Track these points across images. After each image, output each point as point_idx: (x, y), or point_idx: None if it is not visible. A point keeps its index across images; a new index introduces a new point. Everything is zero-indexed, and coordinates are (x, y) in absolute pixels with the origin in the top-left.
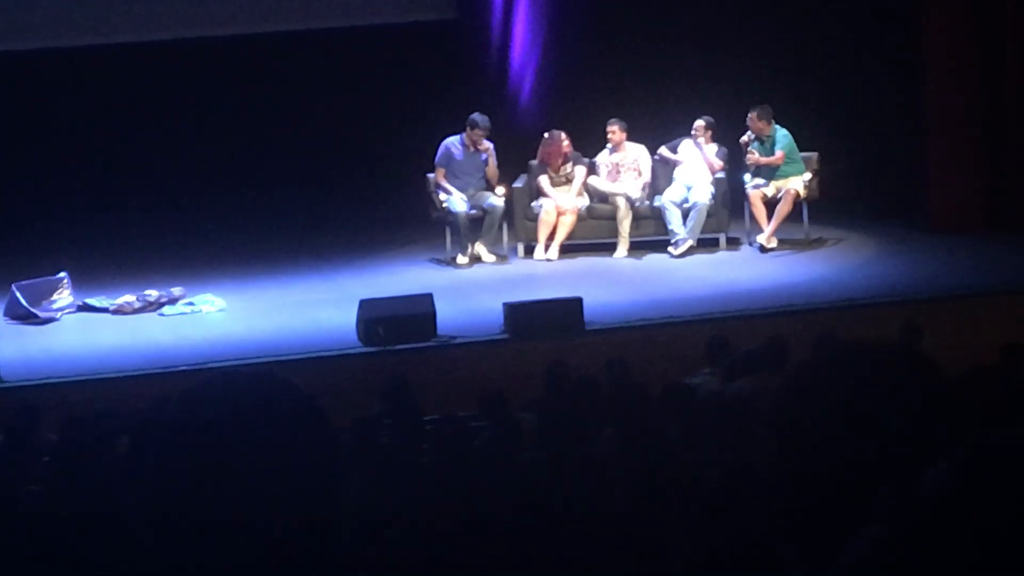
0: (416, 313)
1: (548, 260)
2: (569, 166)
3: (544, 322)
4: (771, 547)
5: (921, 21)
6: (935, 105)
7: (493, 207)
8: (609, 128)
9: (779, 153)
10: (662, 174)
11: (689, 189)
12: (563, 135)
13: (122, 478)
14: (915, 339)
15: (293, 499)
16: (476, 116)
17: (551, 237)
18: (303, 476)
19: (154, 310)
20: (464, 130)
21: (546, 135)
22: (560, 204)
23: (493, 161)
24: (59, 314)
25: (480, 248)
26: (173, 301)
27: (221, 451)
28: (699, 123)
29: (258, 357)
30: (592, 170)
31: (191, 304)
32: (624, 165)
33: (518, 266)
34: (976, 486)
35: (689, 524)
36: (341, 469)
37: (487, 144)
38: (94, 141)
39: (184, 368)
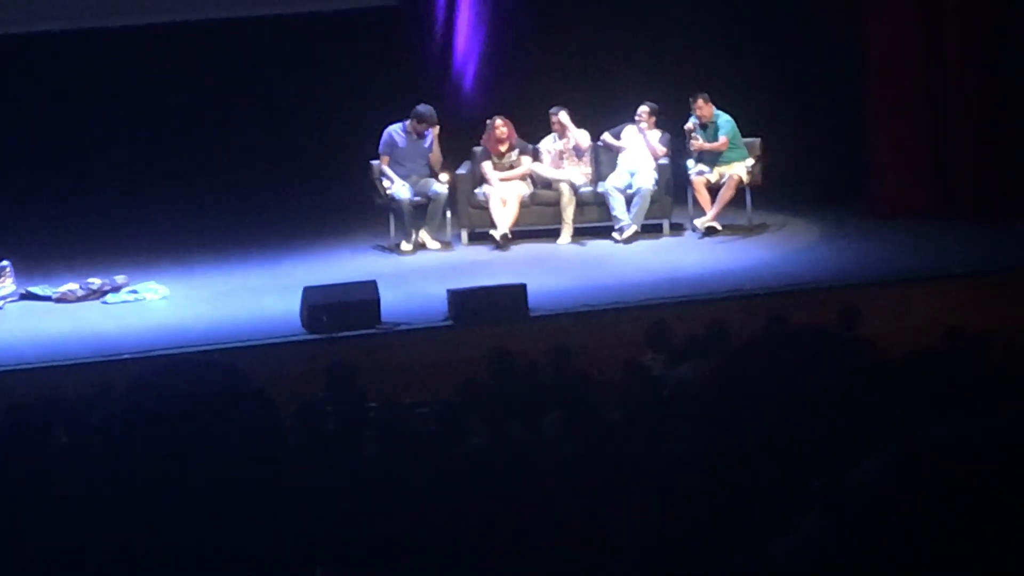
0: (360, 300)
1: (507, 237)
2: (513, 153)
3: (488, 308)
4: (708, 536)
5: (862, 6)
6: (876, 91)
7: (437, 194)
8: (552, 115)
9: (722, 139)
10: (606, 160)
11: (633, 175)
12: (505, 121)
13: (65, 466)
14: (853, 323)
15: (239, 485)
16: (421, 108)
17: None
18: (249, 463)
19: (97, 298)
20: (408, 118)
21: (489, 121)
22: (502, 190)
23: (437, 148)
24: (1, 303)
25: (424, 235)
26: (116, 289)
27: (168, 438)
28: (642, 109)
29: (202, 345)
30: (536, 156)
31: (134, 292)
32: (567, 152)
33: (462, 253)
34: (907, 481)
35: (633, 511)
36: (286, 456)
37: (433, 130)
38: (35, 128)
39: (128, 356)
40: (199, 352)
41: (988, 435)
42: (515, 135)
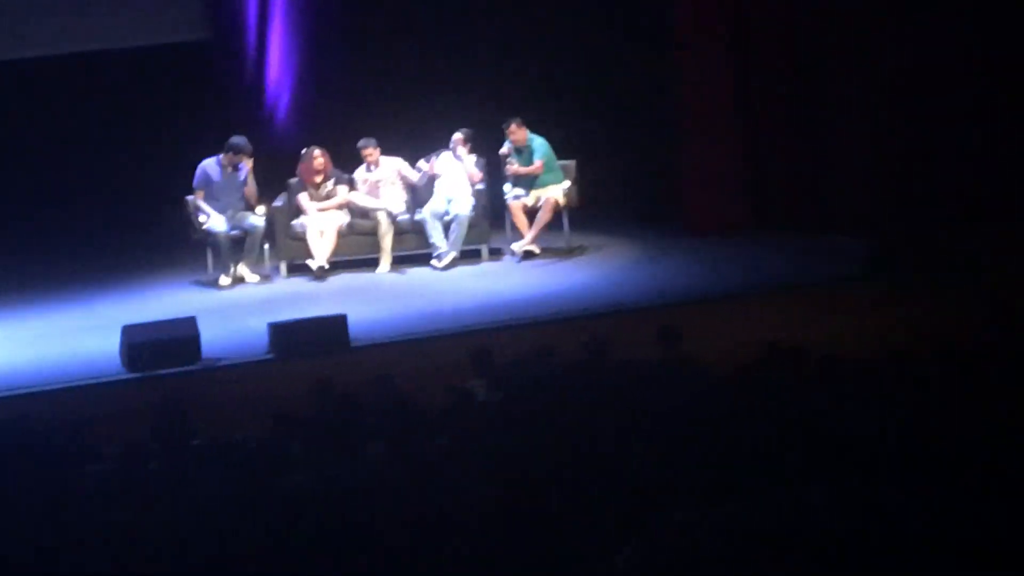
0: (180, 336)
1: (324, 268)
2: (330, 183)
3: (309, 340)
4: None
5: (671, 21)
6: (689, 109)
7: (254, 227)
8: (363, 149)
9: (537, 162)
10: (422, 187)
11: (450, 202)
12: (319, 151)
13: None
14: (674, 342)
15: (42, 535)
16: (235, 139)
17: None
18: (50, 516)
19: None
20: (223, 152)
21: (303, 151)
22: (319, 221)
23: (252, 181)
24: None
25: (243, 268)
26: None
27: None
28: (457, 136)
29: (21, 388)
30: (352, 186)
31: None
32: (383, 181)
33: (281, 285)
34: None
35: (459, 541)
36: (101, 503)
37: (247, 163)
38: None
39: None
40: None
41: (745, 519)
42: (331, 165)
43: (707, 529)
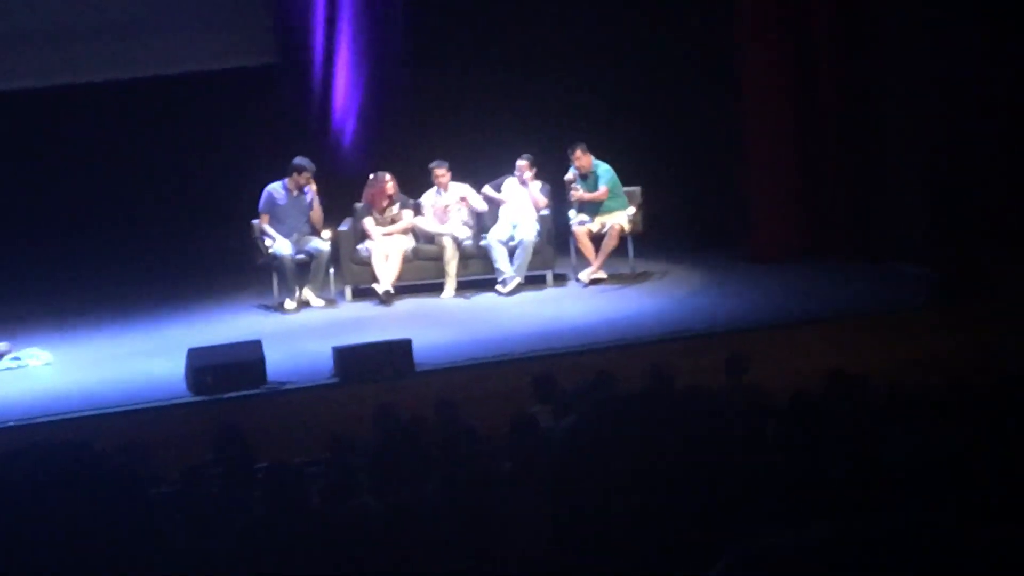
0: (245, 360)
1: (390, 292)
2: (395, 207)
3: (373, 365)
4: None
5: (737, 53)
6: (754, 139)
7: (319, 251)
8: (435, 171)
9: (603, 188)
10: (487, 213)
11: (515, 227)
12: (388, 176)
13: None
14: (742, 369)
15: (107, 559)
16: (300, 160)
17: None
18: (111, 539)
19: None
20: (287, 175)
21: (371, 176)
22: (385, 246)
23: (317, 205)
24: None
25: (308, 293)
26: None
27: (30, 518)
28: (522, 161)
29: (87, 411)
30: (418, 211)
31: (17, 359)
32: (451, 206)
33: (346, 309)
34: None
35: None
36: (162, 526)
37: (309, 189)
38: None
39: (12, 424)
40: (67, 423)
41: (826, 543)
42: (397, 190)
43: (792, 551)
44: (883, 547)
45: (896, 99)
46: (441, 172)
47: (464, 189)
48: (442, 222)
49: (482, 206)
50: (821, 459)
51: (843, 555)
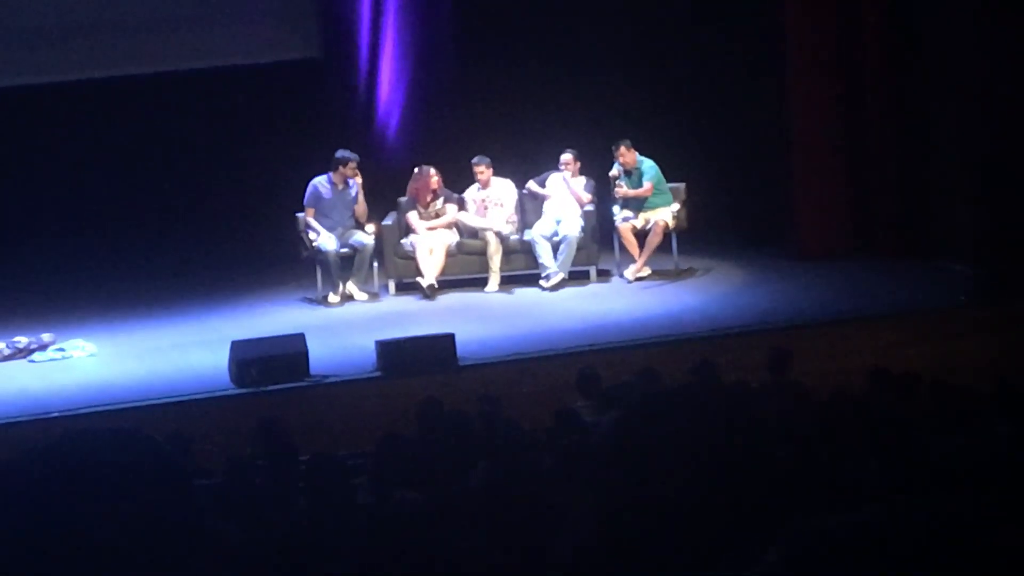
0: (289, 353)
1: (434, 286)
2: (439, 202)
3: (417, 359)
4: None
5: (783, 50)
6: (799, 134)
7: (363, 245)
8: (476, 167)
9: (647, 185)
10: (531, 208)
11: (558, 222)
12: (432, 171)
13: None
14: (784, 366)
15: (153, 551)
16: (343, 152)
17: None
18: (161, 529)
19: (24, 357)
20: (331, 169)
21: (416, 170)
22: (429, 240)
23: (362, 199)
24: None
25: (351, 286)
26: (43, 347)
27: (77, 507)
28: (566, 156)
29: (130, 402)
30: (461, 206)
31: (61, 350)
32: (491, 200)
33: (389, 303)
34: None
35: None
36: (206, 517)
37: (354, 183)
38: None
39: (56, 415)
40: (111, 414)
41: (881, 524)
42: (441, 184)
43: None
44: (937, 530)
45: (944, 96)
46: (481, 169)
47: (505, 185)
48: (484, 217)
49: (510, 201)
50: (864, 456)
51: (897, 536)
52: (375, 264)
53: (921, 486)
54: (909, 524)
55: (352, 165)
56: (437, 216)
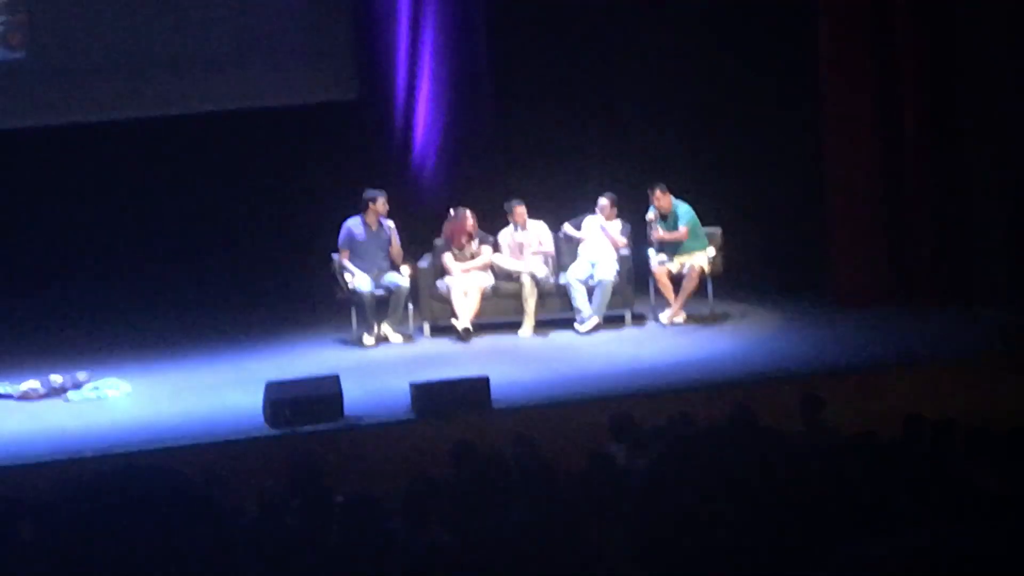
0: (323, 394)
1: (468, 329)
2: (474, 244)
3: (451, 402)
4: None
5: (821, 96)
6: (836, 180)
7: (398, 287)
8: (516, 209)
9: (682, 229)
10: (567, 251)
11: (594, 266)
12: (468, 212)
13: (28, 563)
14: (817, 411)
15: None
16: (371, 191)
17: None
18: (196, 566)
19: (59, 395)
20: (361, 210)
21: (452, 212)
22: (464, 282)
23: (396, 240)
24: None
25: (386, 328)
26: (78, 386)
27: (113, 545)
28: (603, 201)
29: (164, 442)
30: (496, 248)
31: (96, 389)
32: (527, 243)
33: (424, 346)
34: None
35: None
36: (240, 557)
37: (389, 224)
38: None
39: (90, 455)
40: (149, 456)
41: (926, 549)
42: (476, 226)
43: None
44: (980, 556)
45: (982, 143)
46: (518, 211)
47: (540, 228)
48: (518, 259)
49: (549, 245)
50: (899, 497)
51: (943, 561)
52: (410, 306)
53: (961, 515)
54: (954, 549)
55: (381, 200)
56: (472, 258)
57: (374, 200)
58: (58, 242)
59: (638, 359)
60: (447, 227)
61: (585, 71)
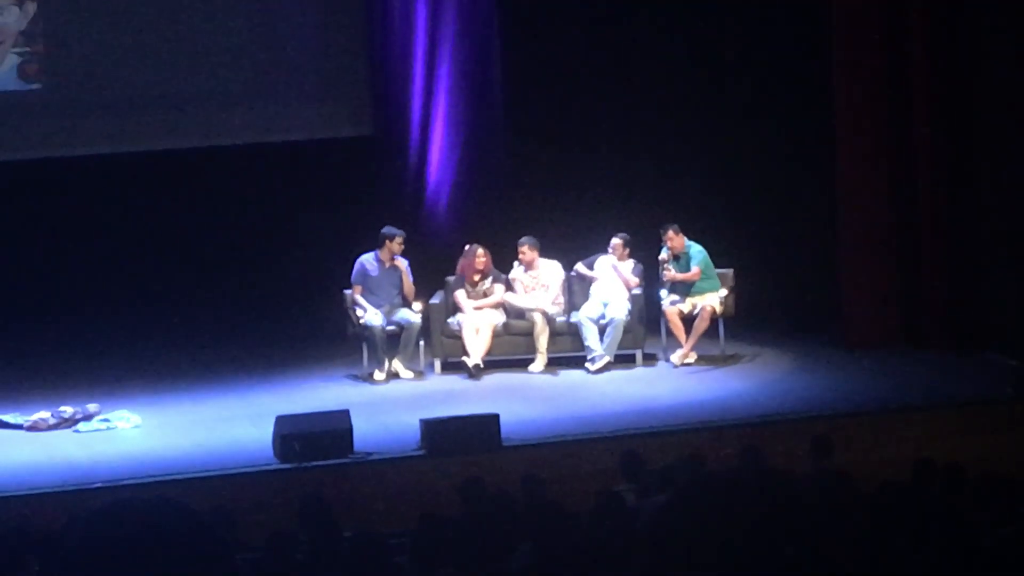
0: (333, 429)
1: (479, 366)
2: (487, 281)
3: (461, 438)
4: None
5: (834, 138)
6: (848, 223)
7: (410, 323)
8: (520, 248)
9: (695, 269)
10: (579, 290)
11: (606, 305)
12: (480, 250)
13: None
14: (827, 454)
15: None
16: (389, 228)
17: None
18: None
19: (69, 427)
20: (377, 246)
21: (467, 248)
22: (475, 319)
23: (408, 277)
24: None
25: (397, 364)
26: (88, 417)
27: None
28: (616, 241)
29: (173, 474)
30: (508, 286)
31: (106, 420)
32: (538, 281)
33: (435, 382)
34: None
35: None
36: None
37: (402, 261)
38: (2, 255)
39: (99, 486)
40: (151, 488)
41: None
42: (490, 264)
43: None
44: None
45: (996, 189)
46: (524, 249)
47: (551, 267)
48: (532, 298)
49: (556, 283)
50: (912, 545)
51: None
52: (421, 342)
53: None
54: None
55: (399, 240)
56: (485, 295)
57: (392, 238)
58: (71, 273)
59: (649, 399)
60: (461, 263)
61: (600, 111)
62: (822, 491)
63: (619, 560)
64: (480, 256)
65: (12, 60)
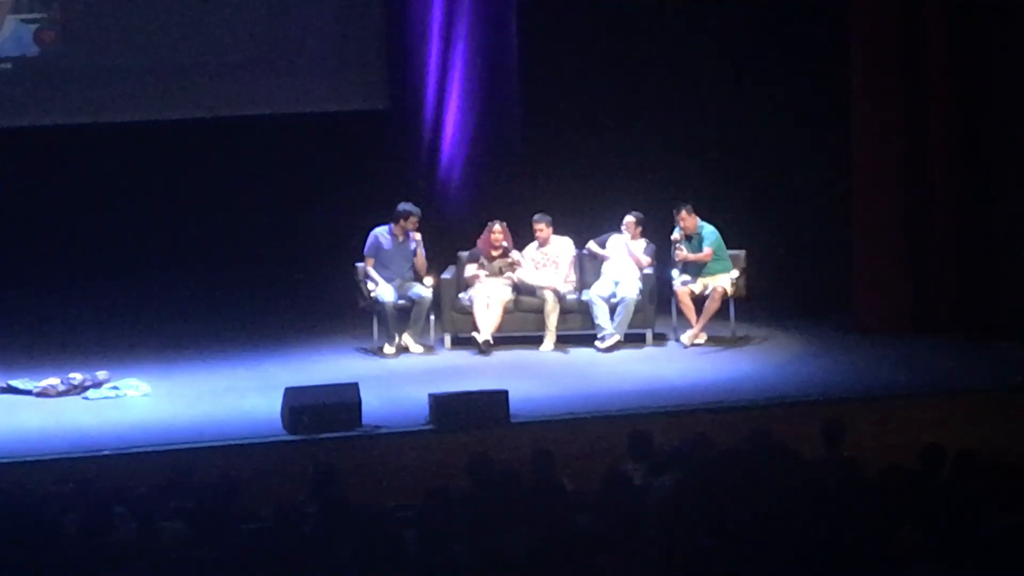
0: (342, 402)
1: (489, 342)
2: (511, 256)
3: (469, 414)
4: None
5: (848, 123)
6: (863, 207)
7: (421, 298)
8: (536, 225)
9: (707, 250)
10: (590, 268)
11: (617, 284)
12: (497, 226)
13: (61, 556)
14: (837, 438)
15: None
16: (405, 205)
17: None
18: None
19: (78, 393)
20: (392, 220)
21: (490, 224)
22: (489, 292)
23: (422, 252)
24: None
25: (407, 338)
26: (98, 385)
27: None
28: (629, 219)
29: (181, 443)
30: (520, 264)
31: (116, 388)
32: (549, 258)
33: (444, 357)
34: None
35: None
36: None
37: (415, 234)
38: (16, 221)
39: (108, 453)
40: (156, 453)
41: None
42: (508, 239)
43: None
44: None
45: (1009, 175)
46: (541, 227)
47: (563, 244)
48: (543, 275)
49: (567, 259)
50: (917, 530)
51: None
52: (432, 317)
53: (974, 563)
54: None
55: (413, 219)
56: (500, 273)
57: (407, 216)
58: (83, 242)
59: (658, 378)
60: (484, 236)
61: (615, 89)
62: (829, 474)
63: (625, 539)
64: (496, 232)
65: (28, 27)
